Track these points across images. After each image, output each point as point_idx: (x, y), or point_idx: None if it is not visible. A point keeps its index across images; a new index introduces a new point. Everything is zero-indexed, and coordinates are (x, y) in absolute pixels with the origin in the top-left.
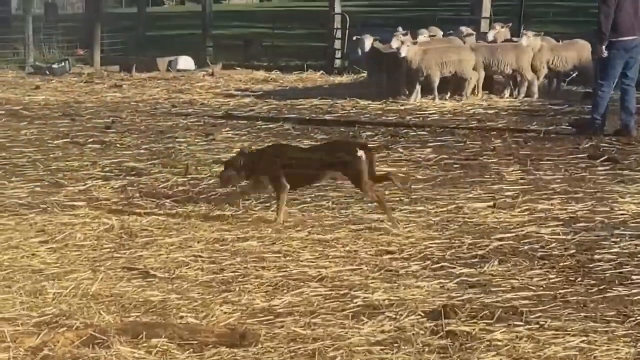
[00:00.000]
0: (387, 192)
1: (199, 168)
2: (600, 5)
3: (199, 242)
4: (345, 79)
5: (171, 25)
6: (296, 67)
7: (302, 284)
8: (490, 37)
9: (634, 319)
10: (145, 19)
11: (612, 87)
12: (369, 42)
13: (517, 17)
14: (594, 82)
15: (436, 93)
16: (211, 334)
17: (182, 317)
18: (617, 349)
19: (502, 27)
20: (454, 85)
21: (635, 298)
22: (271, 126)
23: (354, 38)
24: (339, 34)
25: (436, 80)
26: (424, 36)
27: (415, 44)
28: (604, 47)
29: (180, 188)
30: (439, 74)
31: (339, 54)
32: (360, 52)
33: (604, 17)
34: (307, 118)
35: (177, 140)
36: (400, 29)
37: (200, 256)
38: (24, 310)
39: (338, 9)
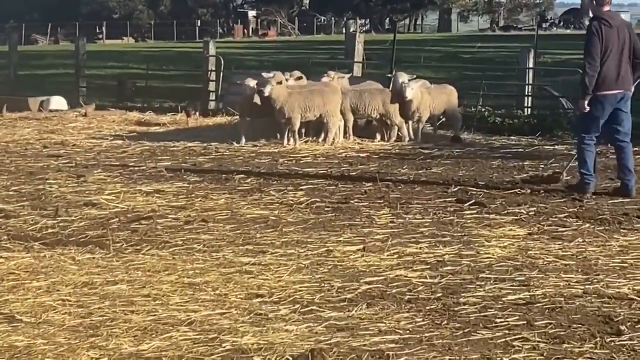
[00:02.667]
0: (258, 235)
1: (69, 210)
2: (585, 58)
3: (67, 286)
4: (220, 120)
5: (44, 64)
6: (170, 109)
7: (171, 328)
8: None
9: None
10: (16, 58)
11: (594, 139)
12: (252, 85)
13: (389, 62)
14: (577, 135)
15: (297, 137)
16: None
17: None
18: None
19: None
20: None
21: (499, 341)
22: (144, 168)
23: (238, 82)
24: (213, 76)
25: (297, 124)
26: (293, 78)
27: (279, 83)
28: (586, 103)
29: (50, 230)
30: (300, 117)
31: (213, 96)
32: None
33: (590, 72)
34: (180, 160)
35: (48, 181)
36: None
37: (68, 300)
38: None
39: (212, 51)
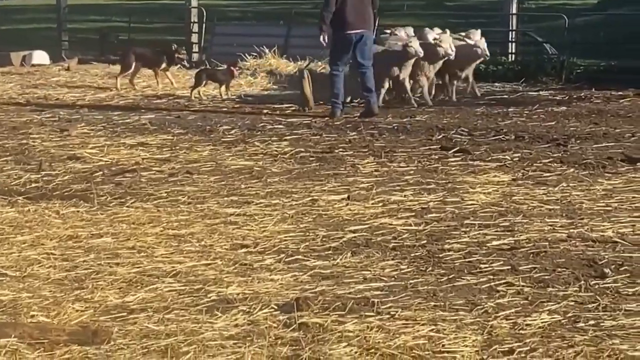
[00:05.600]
0: (242, 186)
1: (52, 164)
2: (323, 4)
3: (51, 240)
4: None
5: (25, 18)
6: None
7: (156, 279)
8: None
9: (481, 307)
10: None
11: (341, 72)
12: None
13: None
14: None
15: None
16: (62, 332)
17: (32, 316)
18: (465, 337)
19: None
20: None
21: (483, 286)
22: (128, 121)
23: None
24: (195, 28)
25: None
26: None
27: None
28: (322, 38)
29: (34, 184)
30: None
31: (196, 48)
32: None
33: (325, 13)
34: (164, 113)
35: (31, 136)
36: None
37: (53, 253)
38: None
39: (194, 2)
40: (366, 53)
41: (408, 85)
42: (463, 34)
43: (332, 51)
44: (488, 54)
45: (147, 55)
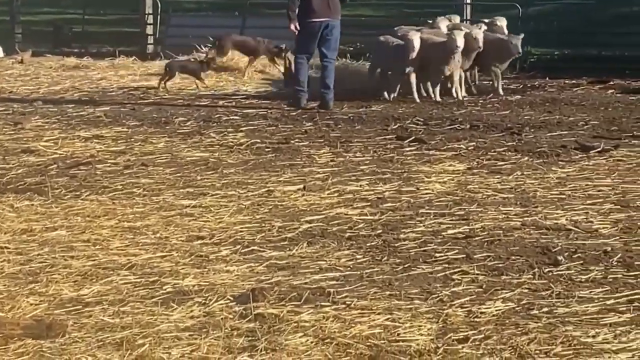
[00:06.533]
0: (198, 178)
1: (6, 157)
2: None
3: (5, 233)
4: (158, 63)
5: None
6: (108, 53)
7: (111, 272)
8: None
9: (436, 295)
10: None
11: (305, 61)
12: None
13: None
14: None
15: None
16: (16, 326)
17: None
18: (420, 325)
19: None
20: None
21: (438, 275)
22: (82, 113)
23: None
24: (150, 19)
25: None
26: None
27: None
28: (292, 26)
29: None
30: None
31: (150, 39)
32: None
33: (291, 3)
34: (119, 105)
35: None
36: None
37: (7, 247)
38: None
39: None
40: (331, 44)
41: (456, 79)
42: (487, 20)
43: (298, 40)
44: (520, 51)
45: (247, 43)
